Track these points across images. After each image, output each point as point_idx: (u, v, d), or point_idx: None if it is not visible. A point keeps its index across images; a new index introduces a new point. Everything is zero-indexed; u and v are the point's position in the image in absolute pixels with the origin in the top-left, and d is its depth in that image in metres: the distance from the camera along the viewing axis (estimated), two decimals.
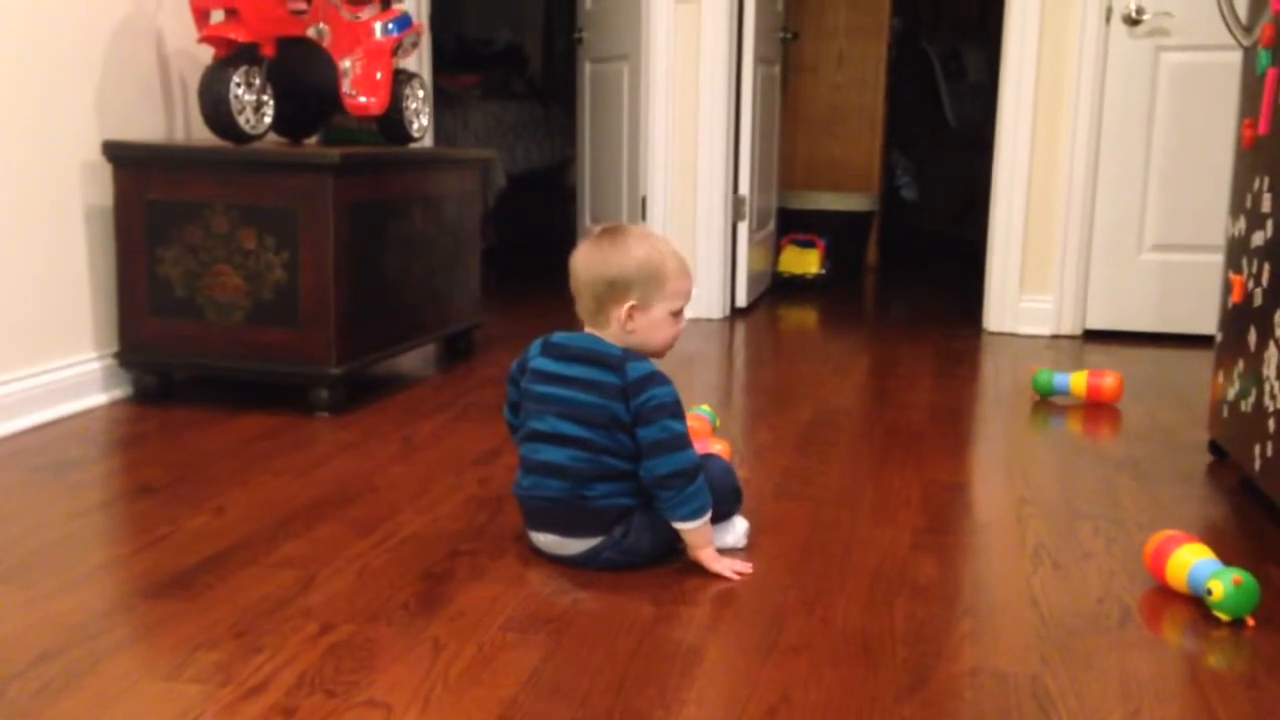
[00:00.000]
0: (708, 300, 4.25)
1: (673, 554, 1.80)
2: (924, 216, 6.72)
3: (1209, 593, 1.64)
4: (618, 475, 1.76)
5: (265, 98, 2.72)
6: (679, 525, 1.75)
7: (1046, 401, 3.03)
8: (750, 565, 1.80)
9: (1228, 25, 2.34)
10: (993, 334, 4.04)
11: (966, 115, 6.43)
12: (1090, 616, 1.66)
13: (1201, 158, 3.82)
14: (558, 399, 1.77)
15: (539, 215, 6.31)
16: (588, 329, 1.82)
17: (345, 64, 2.92)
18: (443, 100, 5.17)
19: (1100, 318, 4.01)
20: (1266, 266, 2.10)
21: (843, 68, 5.76)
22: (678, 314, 1.81)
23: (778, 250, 5.17)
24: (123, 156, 2.71)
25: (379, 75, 2.95)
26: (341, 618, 1.60)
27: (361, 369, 2.82)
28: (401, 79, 3.08)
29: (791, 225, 5.36)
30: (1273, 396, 2.03)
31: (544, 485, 1.78)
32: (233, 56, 2.64)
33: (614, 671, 1.46)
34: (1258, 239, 2.16)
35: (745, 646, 1.55)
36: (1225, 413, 2.35)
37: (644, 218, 4.25)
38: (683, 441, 1.74)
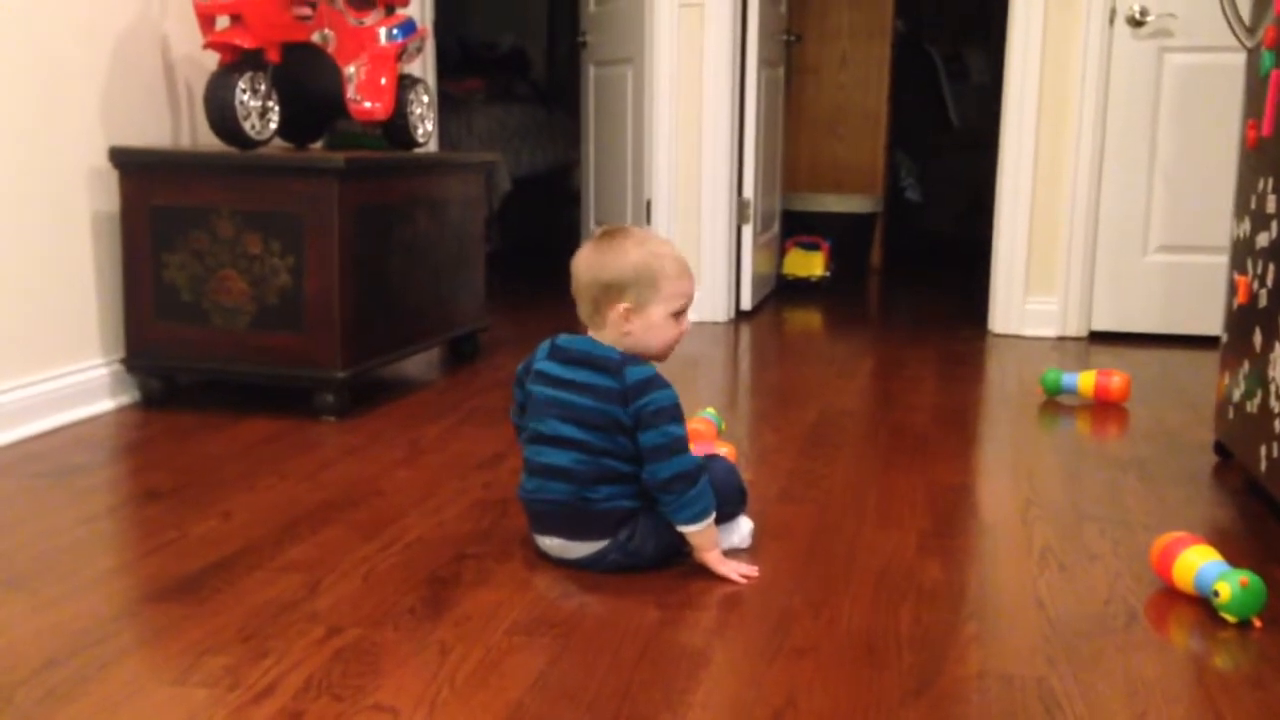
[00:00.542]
0: (712, 303, 4.25)
1: (678, 557, 1.80)
2: (928, 218, 6.72)
3: (1215, 594, 1.64)
4: (619, 477, 1.76)
5: (270, 103, 2.73)
6: (683, 528, 1.75)
7: (1052, 402, 3.03)
8: (756, 568, 1.79)
9: (1231, 27, 2.34)
10: (998, 335, 4.03)
11: (970, 116, 6.43)
12: (1097, 618, 1.66)
13: (1206, 159, 3.82)
14: (558, 402, 1.78)
15: (543, 219, 6.31)
16: (589, 331, 1.82)
17: (350, 69, 2.93)
18: (447, 105, 5.18)
19: (1105, 319, 4.01)
20: (1271, 267, 2.10)
21: (846, 69, 5.77)
22: (678, 316, 1.79)
23: (782, 253, 5.17)
24: (128, 162, 2.71)
25: (383, 80, 2.96)
26: (348, 622, 1.60)
27: (367, 373, 2.82)
28: (406, 84, 3.09)
29: (796, 227, 5.36)
30: (1278, 397, 2.02)
31: (547, 488, 1.79)
32: (238, 62, 2.65)
33: (620, 675, 1.47)
34: (1262, 240, 2.16)
35: (751, 650, 1.55)
36: (1231, 414, 2.35)
37: (648, 221, 4.25)
38: (683, 445, 1.74)
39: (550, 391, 1.79)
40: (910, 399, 3.05)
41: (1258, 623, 1.63)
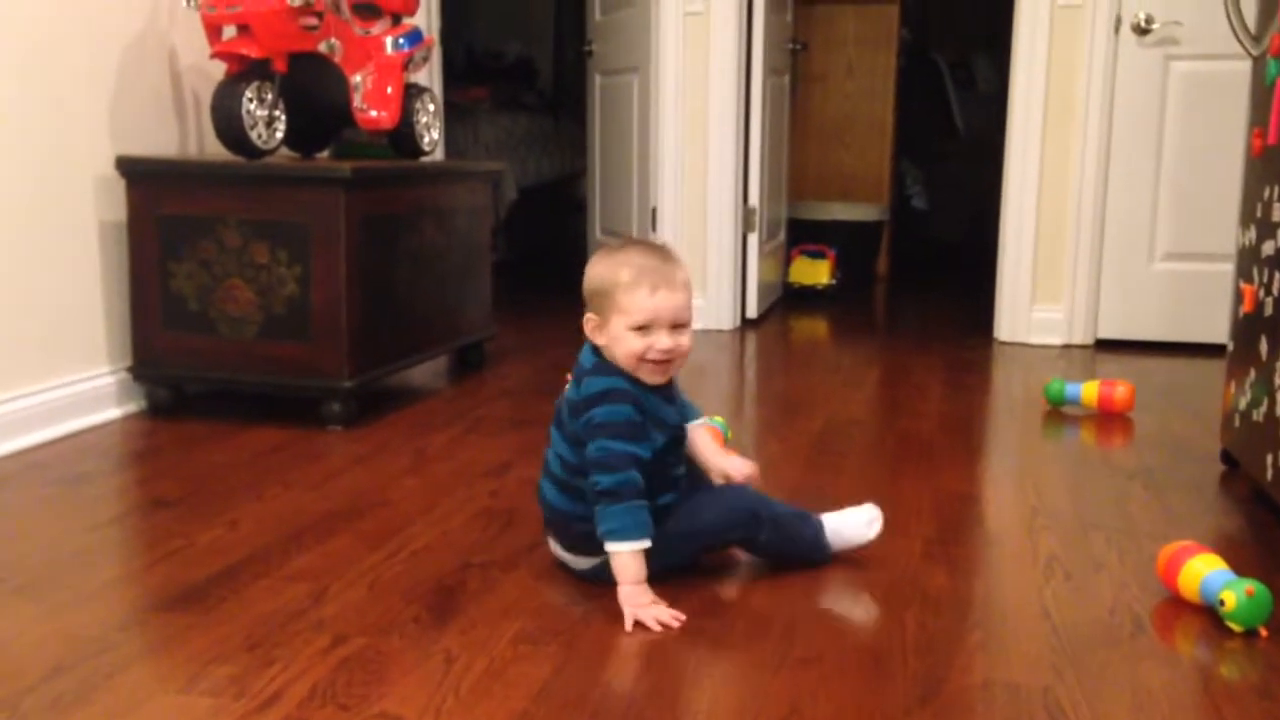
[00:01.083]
0: (718, 311, 4.26)
1: (681, 570, 1.80)
2: (934, 226, 6.71)
3: (1221, 603, 1.64)
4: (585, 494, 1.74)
5: (277, 113, 2.74)
6: (606, 546, 1.69)
7: (1058, 411, 3.02)
8: (681, 617, 1.64)
9: (1237, 35, 2.33)
10: (1004, 344, 4.03)
11: (976, 125, 6.43)
12: (1102, 628, 1.66)
13: (1212, 166, 3.81)
14: (557, 409, 1.80)
15: (550, 228, 6.32)
16: None
17: (356, 79, 2.94)
18: (453, 114, 5.18)
19: (1112, 327, 4.01)
20: (1277, 276, 2.09)
21: (852, 78, 5.77)
22: (642, 330, 1.68)
23: (788, 261, 5.17)
24: (136, 171, 2.72)
25: (390, 90, 2.97)
26: (354, 630, 1.61)
27: (373, 382, 2.83)
28: (412, 93, 3.10)
29: (801, 235, 5.36)
30: None
31: (544, 492, 1.81)
32: (245, 72, 2.66)
33: (624, 684, 1.47)
34: (1268, 248, 2.16)
35: (756, 659, 1.55)
36: (1237, 422, 2.34)
37: (654, 229, 4.26)
38: (619, 461, 1.66)
39: (560, 400, 1.81)
40: (916, 407, 3.05)
41: (1264, 632, 1.63)
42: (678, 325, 1.71)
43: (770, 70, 4.47)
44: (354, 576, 1.81)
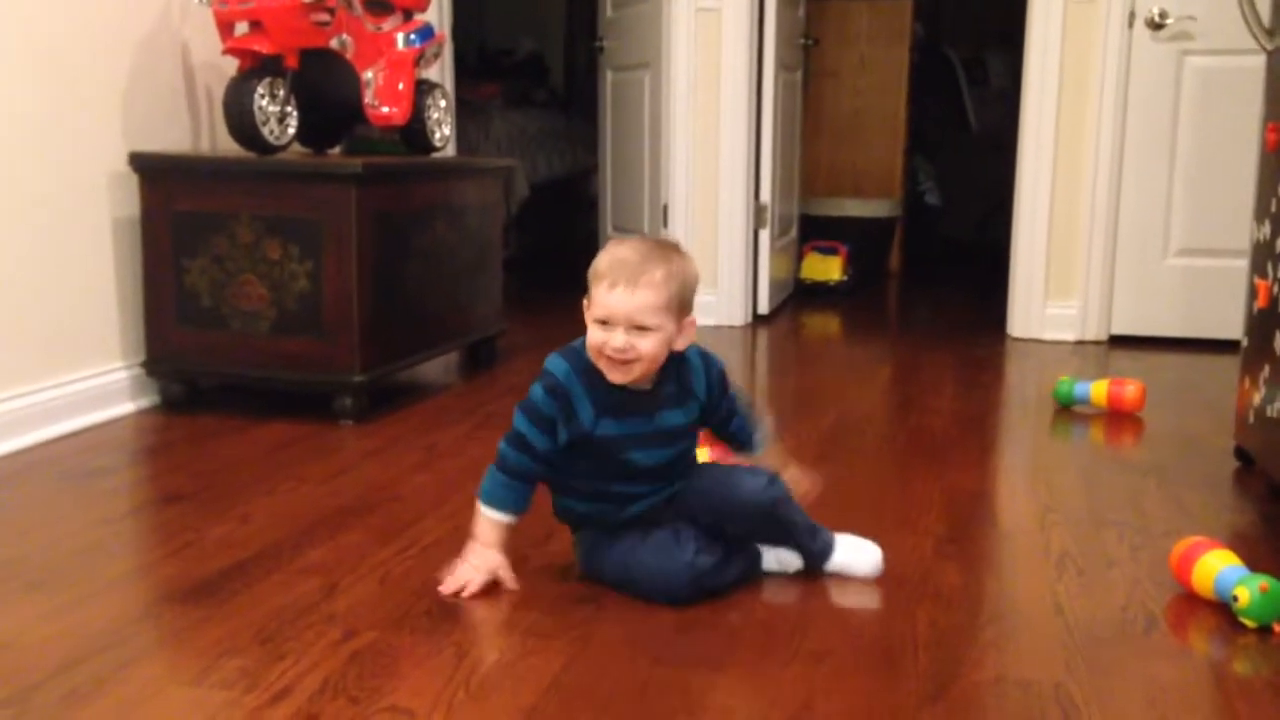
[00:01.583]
0: (729, 307, 4.25)
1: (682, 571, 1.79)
2: (947, 222, 6.69)
3: (1235, 599, 1.63)
4: (556, 487, 1.78)
5: (289, 109, 2.74)
6: None
7: (1069, 410, 3.01)
8: (477, 587, 1.69)
9: (1251, 29, 2.32)
10: (1017, 340, 4.02)
11: (989, 120, 6.41)
12: (1115, 624, 1.65)
13: (1226, 162, 3.79)
14: None
15: (561, 224, 6.32)
16: None
17: (368, 75, 2.94)
18: (465, 110, 5.19)
19: (1126, 323, 3.99)
20: None
21: (864, 73, 5.75)
22: (604, 324, 1.64)
23: (800, 257, 5.16)
24: (149, 168, 2.73)
25: (401, 86, 2.97)
26: (364, 624, 1.61)
27: (385, 377, 2.83)
28: (424, 89, 3.10)
29: (814, 232, 5.35)
30: None
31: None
32: (257, 68, 2.67)
33: (636, 679, 1.47)
34: None
35: (767, 654, 1.55)
36: (1252, 418, 2.33)
37: (665, 225, 4.26)
38: (513, 437, 1.72)
39: None
40: (928, 403, 3.04)
41: (1278, 628, 1.62)
42: (639, 327, 1.62)
43: (782, 66, 4.46)
44: (365, 571, 1.81)
